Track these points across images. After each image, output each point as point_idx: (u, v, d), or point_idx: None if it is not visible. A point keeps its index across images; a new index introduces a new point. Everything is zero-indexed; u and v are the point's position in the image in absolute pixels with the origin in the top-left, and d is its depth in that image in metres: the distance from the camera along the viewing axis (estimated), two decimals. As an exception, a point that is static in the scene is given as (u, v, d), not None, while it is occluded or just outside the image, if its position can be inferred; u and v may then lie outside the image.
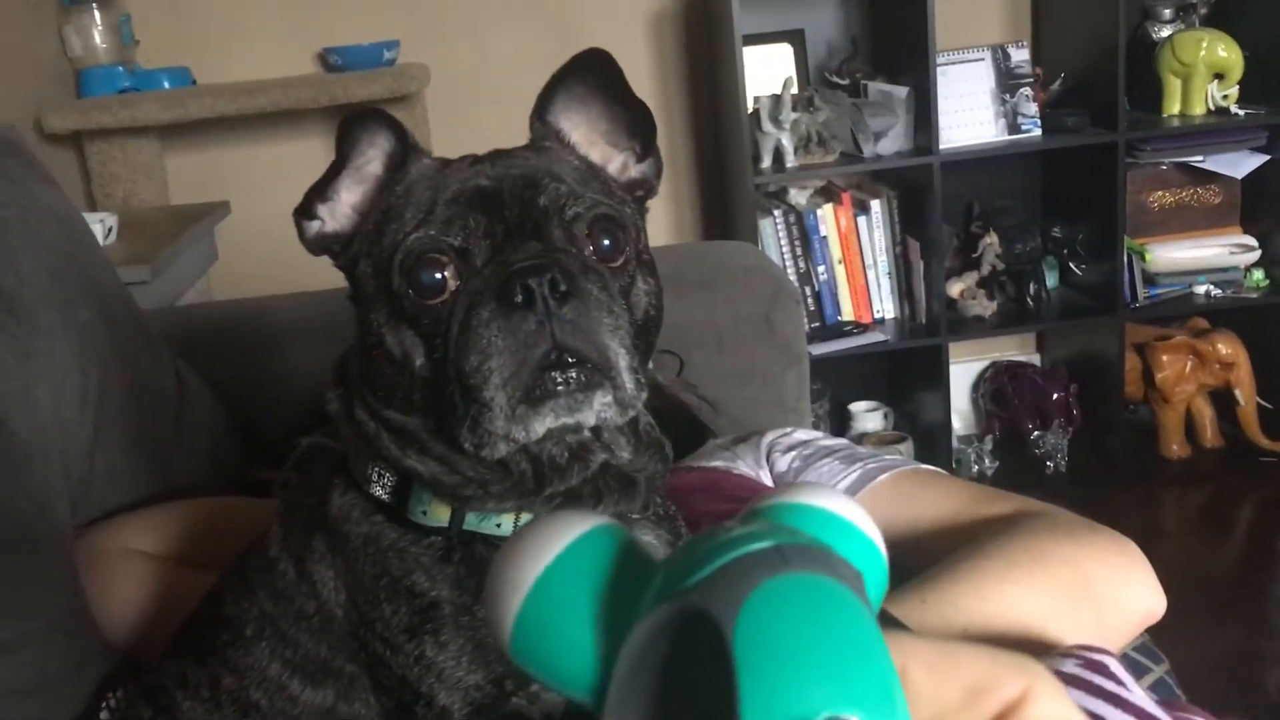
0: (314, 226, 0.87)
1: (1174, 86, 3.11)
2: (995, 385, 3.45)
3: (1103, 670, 0.77)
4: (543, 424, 0.76)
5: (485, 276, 0.77)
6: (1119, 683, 0.75)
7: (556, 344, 0.74)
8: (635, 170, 0.90)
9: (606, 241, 0.81)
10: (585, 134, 0.89)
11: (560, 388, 0.75)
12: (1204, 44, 3.03)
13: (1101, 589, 0.99)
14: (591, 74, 0.85)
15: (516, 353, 0.74)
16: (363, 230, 0.85)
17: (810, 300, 3.13)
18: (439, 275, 0.78)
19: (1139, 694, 0.76)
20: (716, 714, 0.29)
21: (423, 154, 0.86)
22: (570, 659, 0.33)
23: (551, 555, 0.34)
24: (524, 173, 0.81)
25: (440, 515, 0.85)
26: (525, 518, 0.85)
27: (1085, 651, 0.81)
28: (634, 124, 0.88)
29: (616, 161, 0.90)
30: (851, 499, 0.34)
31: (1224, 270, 3.23)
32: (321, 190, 0.86)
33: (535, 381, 0.75)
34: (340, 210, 0.87)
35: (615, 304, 0.78)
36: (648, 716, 0.32)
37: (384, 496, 0.87)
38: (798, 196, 3.19)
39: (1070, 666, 0.78)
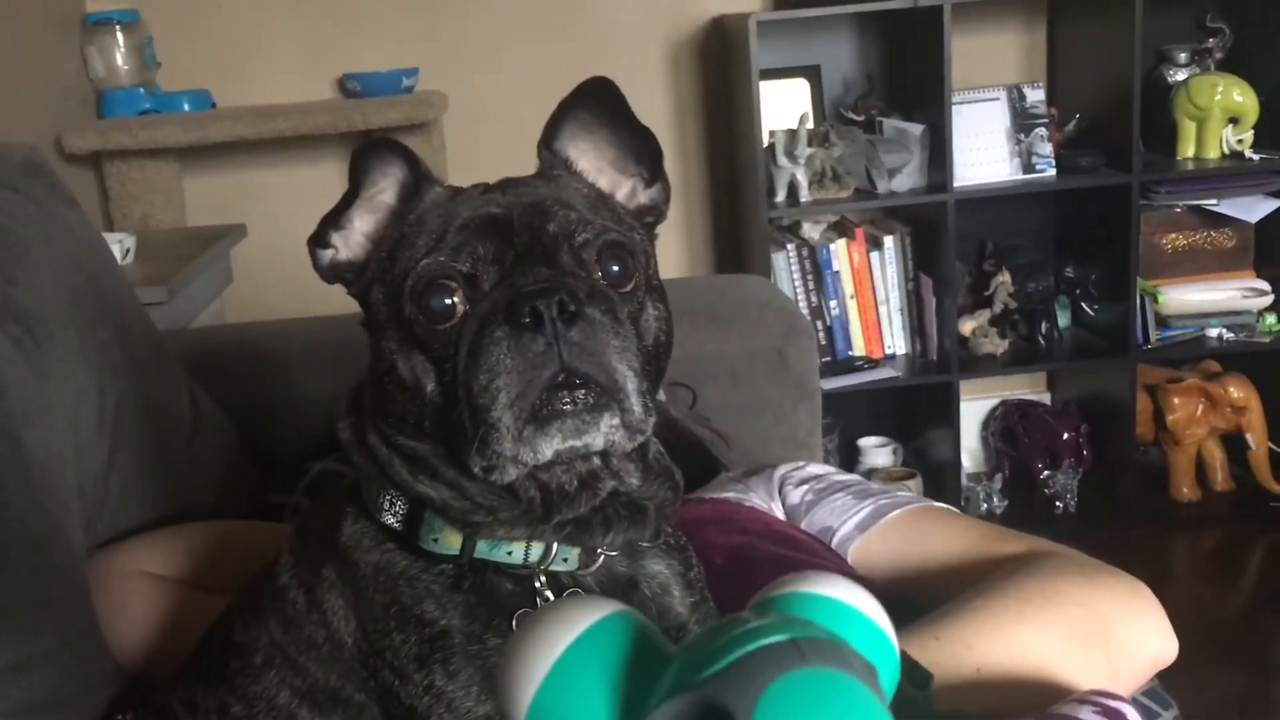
0: (328, 255, 0.88)
1: (1189, 130, 3.12)
2: (1005, 424, 3.44)
3: (1120, 718, 0.76)
4: (550, 445, 0.76)
5: (494, 299, 0.77)
6: (1135, 731, 0.75)
7: (564, 366, 0.75)
8: (644, 196, 0.91)
9: (615, 267, 0.82)
10: (593, 161, 0.90)
11: (567, 408, 0.76)
12: (1219, 88, 3.04)
13: (1115, 631, 0.99)
14: (596, 102, 0.87)
15: (524, 374, 0.75)
16: (376, 258, 0.86)
17: (821, 335, 3.13)
18: (448, 300, 0.79)
19: (1155, 743, 0.76)
20: None
21: (435, 183, 0.87)
22: None
23: (565, 643, 0.34)
24: (534, 200, 0.82)
25: (451, 543, 0.85)
26: (536, 546, 0.85)
27: (1102, 698, 0.80)
28: (640, 150, 0.89)
29: (625, 188, 0.91)
30: (862, 589, 0.33)
31: (1236, 314, 3.22)
32: (335, 219, 0.87)
33: (542, 402, 0.75)
34: (353, 239, 0.88)
35: (623, 327, 0.78)
36: None
37: (395, 524, 0.87)
38: (811, 231, 3.20)
39: (1087, 714, 0.77)
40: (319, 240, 0.87)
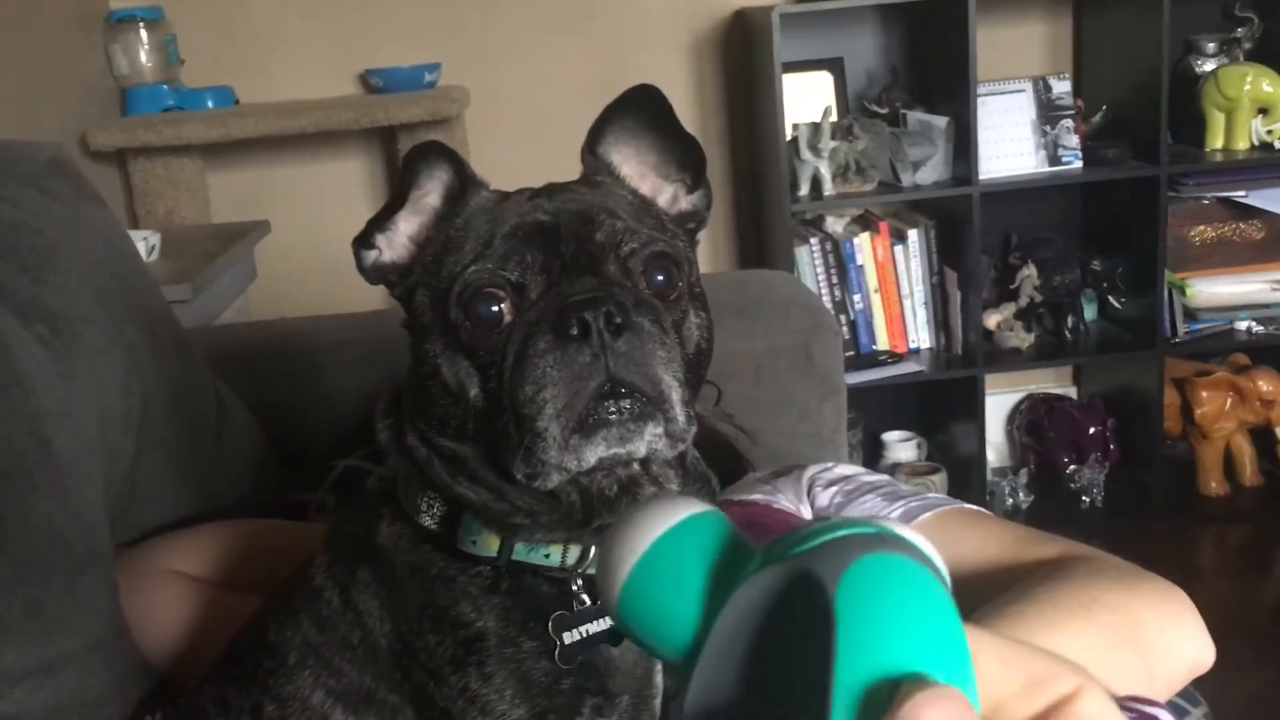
0: (371, 256, 0.88)
1: (1217, 121, 3.09)
2: (1031, 418, 3.41)
3: (1157, 725, 0.75)
4: (594, 453, 0.76)
5: (541, 309, 0.78)
6: (1175, 739, 0.74)
7: (610, 376, 0.75)
8: (686, 202, 0.91)
9: (660, 277, 0.82)
10: (635, 167, 0.90)
11: (613, 417, 0.76)
12: (1248, 78, 3.01)
13: (1151, 638, 0.97)
14: (642, 109, 0.86)
15: (571, 384, 0.75)
16: (421, 261, 0.86)
17: (845, 329, 3.12)
18: (495, 308, 0.79)
19: (1194, 751, 0.75)
20: (804, 676, 0.33)
21: (481, 186, 0.87)
22: (670, 620, 0.37)
23: (666, 527, 0.37)
24: (581, 208, 0.82)
25: (490, 545, 0.85)
26: (574, 549, 0.85)
27: (1138, 704, 0.79)
28: (684, 157, 0.89)
29: (667, 193, 0.91)
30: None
31: (1266, 306, 3.19)
32: (381, 222, 0.87)
33: (589, 412, 0.75)
34: (398, 240, 0.88)
35: (668, 337, 0.78)
36: (734, 675, 0.35)
37: (433, 526, 0.87)
38: (835, 225, 3.18)
39: (1125, 721, 0.76)
40: (363, 241, 0.87)
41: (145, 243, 2.13)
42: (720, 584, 0.36)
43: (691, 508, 0.38)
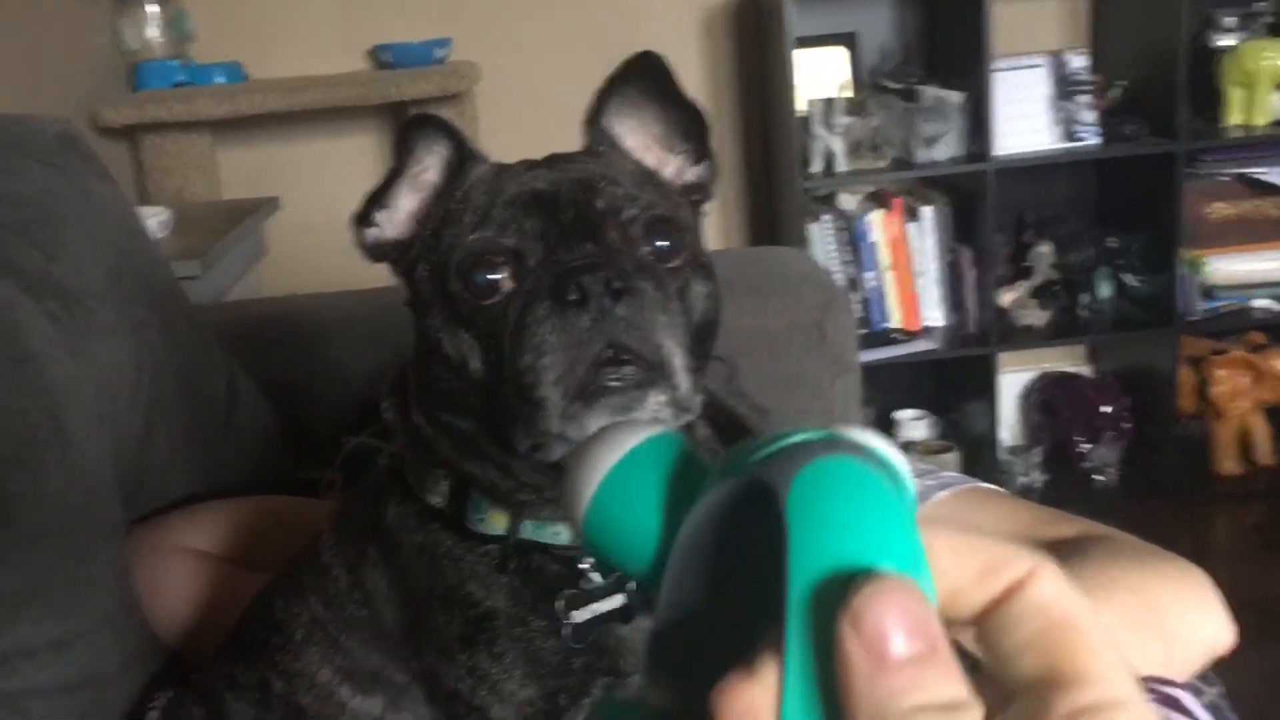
0: (372, 233, 0.86)
1: (1235, 96, 3.05)
2: (1045, 396, 3.39)
3: (1178, 706, 0.74)
4: (596, 422, 0.74)
5: (539, 276, 0.76)
6: (1195, 721, 0.73)
7: (611, 342, 0.73)
8: (690, 174, 0.89)
9: (662, 243, 0.80)
10: (640, 138, 0.88)
11: (614, 384, 0.74)
12: (1267, 54, 2.97)
13: (1170, 619, 0.96)
14: (644, 78, 0.85)
15: (570, 350, 0.73)
16: (421, 236, 0.85)
17: (858, 307, 3.10)
18: (494, 276, 0.78)
19: (1215, 733, 0.74)
20: (763, 580, 0.34)
21: (480, 159, 0.85)
22: (635, 537, 0.38)
23: (625, 449, 0.38)
24: (581, 176, 0.81)
25: (498, 524, 0.84)
26: None
27: (1159, 685, 0.78)
28: (688, 127, 0.88)
29: (672, 165, 0.89)
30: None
31: (1284, 284, 3.16)
32: (380, 197, 0.86)
33: (589, 379, 0.73)
34: (398, 216, 0.86)
35: (670, 303, 0.77)
36: (700, 586, 0.37)
37: (440, 504, 0.86)
38: (847, 202, 3.16)
39: (1147, 704, 0.75)
40: (363, 219, 0.86)
41: (155, 219, 2.13)
42: (680, 500, 0.37)
43: (649, 430, 0.40)
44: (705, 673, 0.33)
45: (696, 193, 0.90)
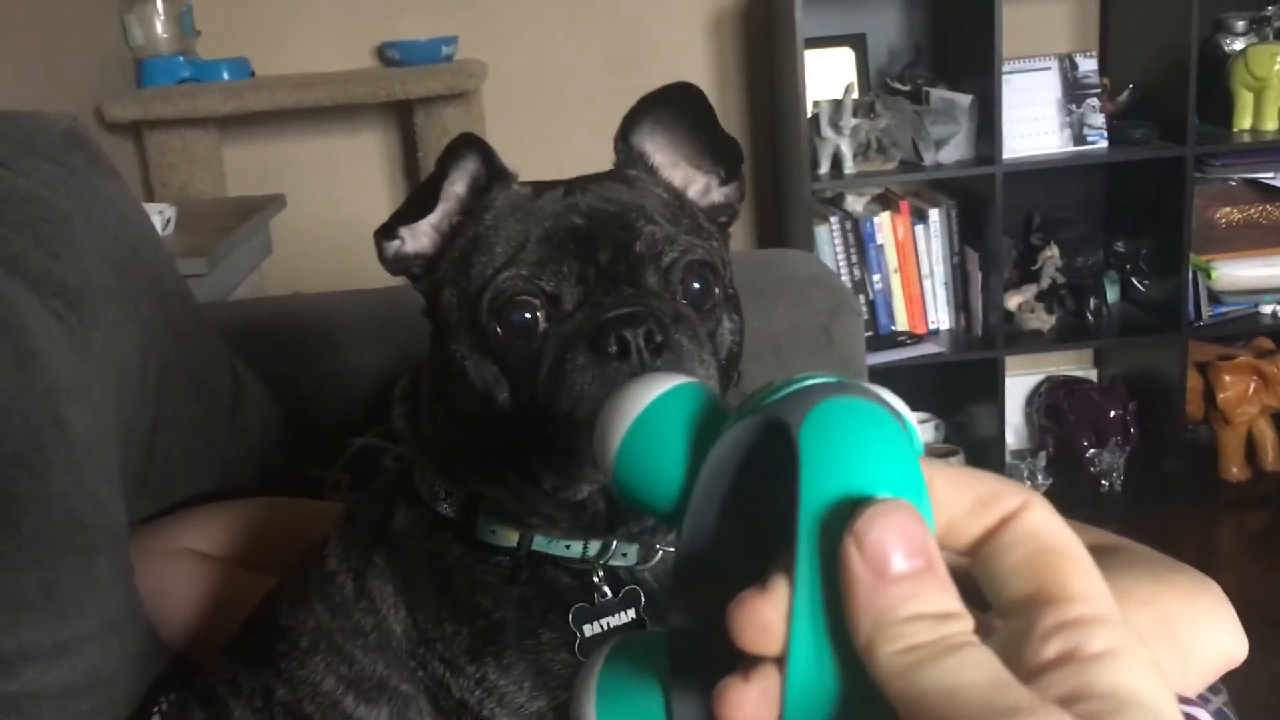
0: (393, 246, 0.85)
1: (1245, 100, 3.04)
2: (1051, 400, 3.38)
3: (1195, 724, 0.73)
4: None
5: (578, 321, 0.75)
6: (1213, 739, 0.72)
7: None
8: (718, 194, 0.89)
9: (698, 285, 0.80)
10: (669, 156, 0.87)
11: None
12: (1278, 58, 2.95)
13: (1183, 631, 0.95)
14: (681, 104, 0.84)
15: None
16: (448, 256, 0.83)
17: (864, 309, 3.09)
18: (529, 315, 0.77)
19: (1232, 749, 0.72)
20: (776, 510, 0.36)
21: (510, 178, 0.84)
22: (661, 477, 0.40)
23: (653, 396, 0.41)
24: (617, 210, 0.80)
25: (509, 536, 0.83)
26: (594, 544, 0.84)
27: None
28: (720, 152, 0.87)
29: (699, 184, 0.89)
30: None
31: (1292, 290, 3.15)
32: (407, 219, 0.84)
33: None
34: (420, 229, 0.85)
35: (705, 353, 0.77)
36: (719, 516, 0.40)
37: (451, 514, 0.85)
38: (855, 203, 3.15)
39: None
40: (386, 233, 0.84)
41: (161, 216, 2.12)
42: (702, 442, 0.40)
43: (676, 379, 0.42)
44: (722, 595, 0.36)
45: (723, 214, 0.89)
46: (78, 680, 1.05)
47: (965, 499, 0.36)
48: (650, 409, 0.41)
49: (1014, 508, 0.35)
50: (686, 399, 0.41)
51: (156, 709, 1.11)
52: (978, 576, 0.35)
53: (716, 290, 0.81)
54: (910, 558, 0.33)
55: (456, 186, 0.84)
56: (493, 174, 0.83)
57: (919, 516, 0.34)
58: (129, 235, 1.41)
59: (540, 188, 0.83)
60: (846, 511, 0.34)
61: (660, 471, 0.41)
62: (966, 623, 0.33)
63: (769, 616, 0.34)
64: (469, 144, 0.82)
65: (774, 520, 0.37)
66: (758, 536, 0.39)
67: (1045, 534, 0.34)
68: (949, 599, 0.33)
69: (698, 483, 0.39)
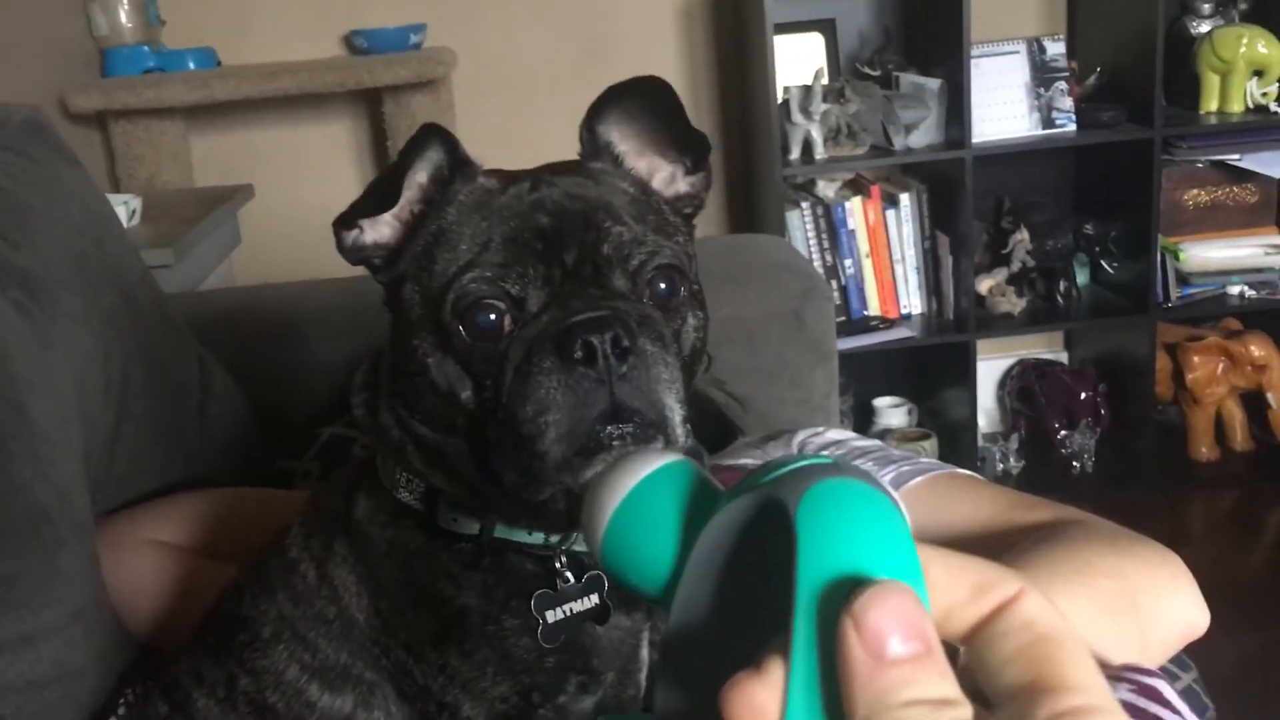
0: (351, 235, 0.83)
1: (1212, 83, 3.06)
2: (1022, 383, 3.40)
3: (1157, 697, 0.74)
4: (592, 473, 0.74)
5: (544, 323, 0.75)
6: (1175, 711, 0.73)
7: (614, 402, 0.73)
8: (684, 184, 0.88)
9: (664, 286, 0.80)
10: (634, 145, 0.87)
11: (616, 443, 0.74)
12: (1244, 40, 2.98)
13: (1146, 603, 0.96)
14: (648, 94, 0.83)
15: (575, 410, 0.73)
16: (410, 250, 0.82)
17: (836, 294, 3.09)
18: (493, 317, 0.76)
19: (1192, 720, 0.73)
20: (771, 589, 0.36)
21: (474, 170, 0.83)
22: (650, 558, 0.40)
23: (641, 475, 0.41)
24: (583, 209, 0.79)
25: (471, 524, 0.83)
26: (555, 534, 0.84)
27: (1137, 675, 0.78)
28: (687, 143, 0.86)
29: (664, 173, 0.88)
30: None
31: (1259, 271, 3.18)
32: (368, 212, 0.82)
33: (591, 435, 0.73)
34: (381, 218, 0.83)
35: (670, 355, 0.77)
36: (711, 596, 0.39)
37: (413, 502, 0.85)
38: (826, 189, 3.16)
39: (1123, 693, 0.75)
40: (345, 222, 0.83)
41: (125, 207, 2.10)
42: (693, 521, 0.40)
43: (665, 458, 0.42)
44: (714, 676, 0.35)
45: (689, 204, 0.88)
46: (44, 672, 1.05)
47: (961, 585, 0.36)
48: (639, 488, 0.41)
49: (1009, 595, 0.35)
50: (677, 477, 0.41)
51: (122, 700, 1.11)
52: (973, 663, 0.35)
53: (682, 290, 0.81)
54: (909, 641, 0.33)
55: (419, 176, 0.82)
56: (456, 165, 0.82)
57: (917, 600, 0.34)
58: (91, 226, 1.40)
59: (505, 180, 0.82)
60: (844, 592, 0.34)
61: (651, 552, 0.40)
62: (965, 710, 0.33)
63: (763, 699, 0.34)
64: (432, 134, 0.81)
65: (767, 601, 0.37)
66: (750, 617, 0.39)
67: (1041, 622, 0.34)
68: (947, 684, 0.33)
69: (690, 561, 0.39)
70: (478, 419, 0.78)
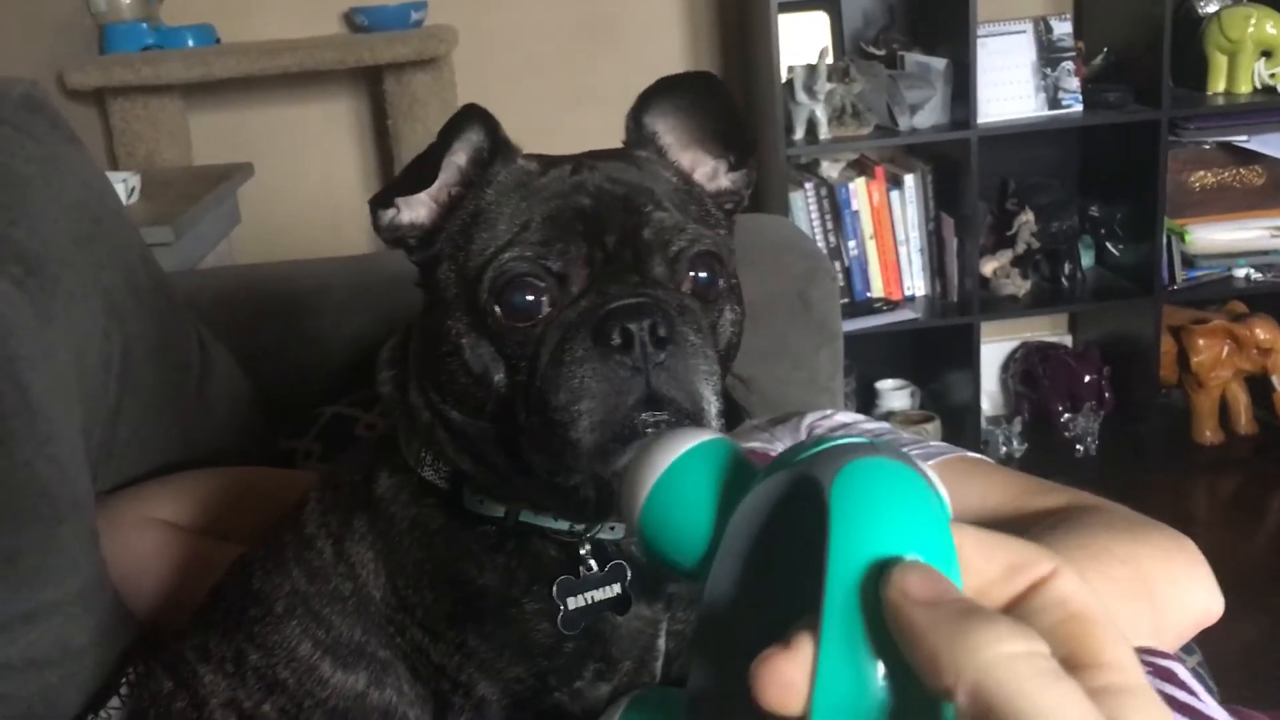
0: (388, 215, 0.82)
1: (1219, 64, 3.04)
2: (1026, 366, 3.39)
3: (1172, 679, 0.73)
4: (623, 462, 0.73)
5: (582, 309, 0.74)
6: (1190, 692, 0.72)
7: (650, 390, 0.72)
8: (726, 179, 0.88)
9: (704, 275, 0.78)
10: (680, 138, 0.86)
11: (650, 431, 0.72)
12: (1252, 20, 2.95)
13: (1160, 588, 0.95)
14: (698, 91, 0.82)
15: (609, 398, 0.72)
16: (447, 230, 0.81)
17: (840, 275, 3.08)
18: (532, 298, 0.75)
19: (1211, 704, 0.73)
20: (804, 566, 0.36)
21: (514, 152, 0.82)
22: (686, 533, 0.41)
23: (679, 452, 0.42)
24: (625, 193, 0.78)
25: (497, 506, 0.82)
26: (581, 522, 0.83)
27: (1152, 657, 0.77)
28: (732, 140, 0.86)
29: (706, 167, 0.87)
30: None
31: (1265, 253, 3.16)
32: (405, 191, 0.81)
33: (625, 423, 0.72)
34: (417, 199, 0.82)
35: (708, 346, 0.75)
36: (747, 572, 0.40)
37: (439, 481, 0.84)
38: (830, 169, 3.14)
39: (1143, 676, 0.74)
40: (381, 201, 0.82)
41: (124, 184, 2.08)
42: (729, 497, 0.40)
43: (703, 435, 0.43)
44: (746, 651, 0.36)
45: (730, 199, 0.88)
46: (45, 651, 1.04)
47: (995, 564, 0.36)
48: (677, 464, 0.42)
49: (1044, 573, 0.35)
50: (714, 454, 0.42)
51: (124, 680, 1.10)
52: None
53: (721, 281, 0.79)
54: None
55: (457, 157, 0.81)
56: (496, 146, 0.81)
57: (952, 583, 0.34)
58: (90, 202, 1.38)
59: (546, 163, 0.81)
60: (877, 572, 0.34)
61: (687, 527, 0.41)
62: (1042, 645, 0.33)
63: (792, 674, 0.34)
64: (473, 115, 0.79)
65: (797, 578, 0.37)
66: (780, 594, 0.39)
67: (1075, 600, 0.35)
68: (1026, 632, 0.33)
69: (726, 534, 0.39)
70: (509, 403, 0.76)
